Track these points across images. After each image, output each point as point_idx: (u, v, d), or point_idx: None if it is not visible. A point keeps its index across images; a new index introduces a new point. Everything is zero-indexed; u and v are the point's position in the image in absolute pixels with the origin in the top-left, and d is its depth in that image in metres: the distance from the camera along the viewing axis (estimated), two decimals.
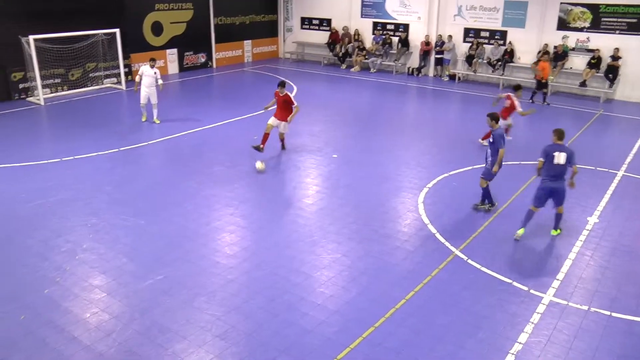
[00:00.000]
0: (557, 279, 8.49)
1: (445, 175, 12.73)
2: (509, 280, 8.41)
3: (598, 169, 13.22)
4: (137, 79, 16.01)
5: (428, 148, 15.01)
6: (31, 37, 17.90)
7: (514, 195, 11.52)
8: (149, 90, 15.92)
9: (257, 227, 10.02)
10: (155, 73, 15.82)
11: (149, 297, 7.77)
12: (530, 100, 19.78)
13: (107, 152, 13.74)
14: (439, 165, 13.39)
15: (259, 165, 12.25)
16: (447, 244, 9.49)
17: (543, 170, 9.48)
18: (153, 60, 16.15)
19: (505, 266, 8.82)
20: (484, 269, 8.72)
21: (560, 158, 9.24)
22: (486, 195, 10.72)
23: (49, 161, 12.94)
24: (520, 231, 9.75)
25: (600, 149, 15.00)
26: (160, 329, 7.08)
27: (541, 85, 19.94)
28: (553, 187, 9.41)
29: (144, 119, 16.54)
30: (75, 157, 13.26)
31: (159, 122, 16.42)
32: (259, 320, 7.33)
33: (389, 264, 8.87)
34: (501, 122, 14.84)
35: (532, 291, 8.16)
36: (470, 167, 13.05)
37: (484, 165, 10.69)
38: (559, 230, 9.88)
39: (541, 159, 9.43)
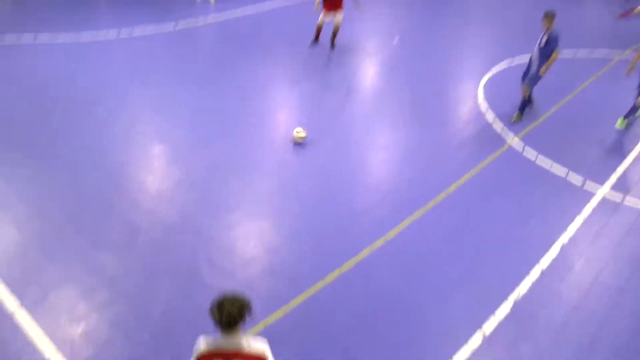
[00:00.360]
0: (616, 174, 8.27)
1: (509, 63, 12.19)
2: (565, 172, 8.25)
3: None
4: None
5: (494, 34, 14.30)
6: None
7: (581, 87, 11.00)
8: None
9: (314, 109, 10.01)
10: None
11: (206, 169, 8.05)
12: None
13: (162, 31, 13.71)
14: (503, 52, 12.79)
15: (298, 133, 8.69)
16: (504, 132, 9.29)
17: None
18: None
19: (561, 158, 8.60)
20: (539, 159, 8.55)
21: None
22: (525, 105, 9.64)
23: (105, 38, 13.05)
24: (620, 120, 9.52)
25: None
26: (216, 199, 7.37)
27: None
28: None
29: None
30: (132, 35, 13.30)
31: (213, 1, 16.15)
32: (312, 198, 7.53)
33: (444, 150, 8.80)
34: None
35: (587, 184, 8.01)
36: None
37: (527, 70, 9.59)
38: (625, 122, 9.43)
39: None
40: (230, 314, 3.27)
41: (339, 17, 12.22)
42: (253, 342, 3.43)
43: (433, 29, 14.40)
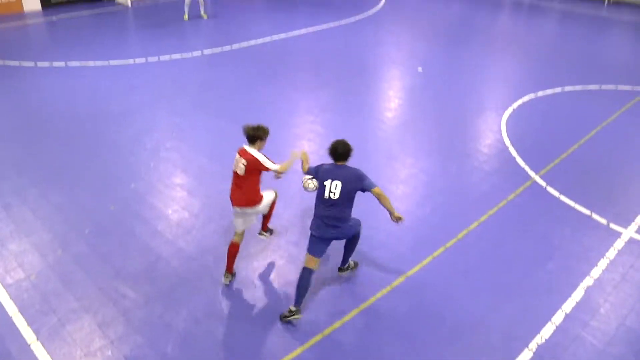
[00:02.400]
0: None
1: (533, 96, 12.11)
2: (588, 212, 8.11)
3: None
4: None
5: (518, 66, 14.24)
6: None
7: (607, 121, 10.86)
8: None
9: (336, 136, 9.95)
10: None
11: (228, 199, 8.06)
12: None
13: (190, 54, 13.92)
14: (527, 85, 12.73)
15: (308, 184, 6.38)
16: (526, 168, 9.19)
17: None
18: None
19: (585, 196, 8.45)
20: (562, 197, 8.43)
21: None
22: None
23: (135, 61, 13.29)
24: None
25: None
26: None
27: None
28: None
29: (185, 18, 17.13)
30: (160, 58, 13.52)
31: (206, 16, 17.26)
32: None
33: (466, 183, 8.74)
34: None
35: (611, 225, 7.86)
36: (560, 89, 12.33)
37: None
38: None
39: None
40: (248, 132, 6.02)
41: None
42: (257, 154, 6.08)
43: (458, 58, 14.39)
